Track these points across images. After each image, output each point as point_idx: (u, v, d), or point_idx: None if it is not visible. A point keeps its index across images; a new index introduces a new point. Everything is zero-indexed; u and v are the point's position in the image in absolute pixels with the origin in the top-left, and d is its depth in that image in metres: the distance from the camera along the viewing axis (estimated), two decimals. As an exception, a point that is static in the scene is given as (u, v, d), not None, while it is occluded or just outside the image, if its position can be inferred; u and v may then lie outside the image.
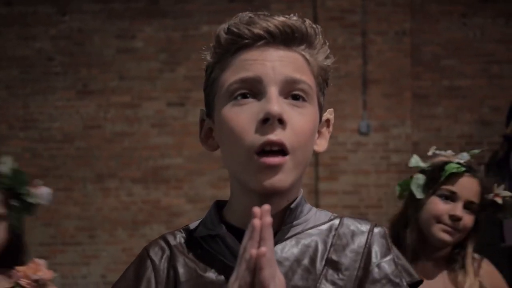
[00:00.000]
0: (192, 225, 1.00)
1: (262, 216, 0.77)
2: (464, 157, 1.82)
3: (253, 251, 0.75)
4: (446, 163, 1.81)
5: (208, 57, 0.95)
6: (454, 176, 1.78)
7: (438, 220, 1.78)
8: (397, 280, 0.92)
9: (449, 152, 1.86)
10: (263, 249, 0.75)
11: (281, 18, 0.90)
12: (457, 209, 1.77)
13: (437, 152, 1.87)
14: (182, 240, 0.97)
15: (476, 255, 1.86)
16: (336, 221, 0.97)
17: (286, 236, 0.93)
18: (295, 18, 0.92)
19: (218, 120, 0.92)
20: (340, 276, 0.91)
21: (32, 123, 5.53)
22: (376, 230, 0.96)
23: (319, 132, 0.97)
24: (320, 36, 0.94)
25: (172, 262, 0.94)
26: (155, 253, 0.96)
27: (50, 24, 5.53)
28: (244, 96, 0.89)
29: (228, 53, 0.91)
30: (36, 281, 1.70)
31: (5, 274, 1.77)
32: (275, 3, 5.23)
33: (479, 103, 5.52)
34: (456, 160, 1.81)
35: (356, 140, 5.28)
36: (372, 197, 5.25)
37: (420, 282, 0.97)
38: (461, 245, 1.83)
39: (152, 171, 5.45)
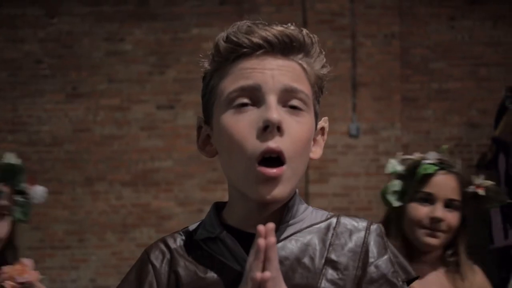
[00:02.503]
0: (192, 228, 1.01)
1: (267, 235, 0.78)
2: (432, 155, 1.76)
3: (258, 275, 0.77)
4: (418, 165, 1.75)
5: (206, 65, 0.97)
6: (428, 177, 1.72)
7: (420, 225, 1.72)
8: (394, 280, 0.94)
9: (417, 154, 1.80)
10: (267, 274, 0.77)
11: (280, 28, 0.92)
12: (437, 210, 1.71)
13: (405, 157, 1.80)
14: (182, 243, 0.98)
15: (469, 262, 1.81)
16: (334, 220, 0.98)
17: (285, 235, 0.95)
18: (292, 27, 0.93)
19: (217, 127, 0.94)
20: (340, 275, 0.92)
21: (21, 126, 5.50)
22: (372, 228, 0.97)
23: (314, 140, 0.99)
24: (317, 45, 0.96)
25: (172, 266, 0.95)
26: (155, 257, 0.97)
27: (38, 26, 5.50)
28: (243, 104, 0.91)
29: (227, 61, 0.93)
30: (21, 283, 1.66)
31: None
32: (265, 6, 5.23)
33: (468, 105, 5.56)
34: (427, 161, 1.75)
35: (346, 143, 5.29)
36: (362, 199, 5.26)
37: (416, 278, 0.99)
38: (452, 245, 1.78)
39: (142, 174, 5.43)
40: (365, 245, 0.95)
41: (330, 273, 0.92)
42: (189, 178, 5.39)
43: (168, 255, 0.97)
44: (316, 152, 0.99)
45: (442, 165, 1.75)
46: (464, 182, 1.76)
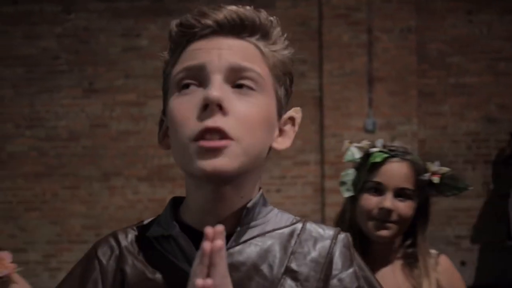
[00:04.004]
0: (146, 222, 0.95)
1: (215, 238, 0.72)
2: (379, 143, 1.67)
3: (200, 282, 0.71)
4: (370, 154, 1.65)
5: (166, 55, 0.93)
6: (377, 166, 1.62)
7: (370, 217, 1.62)
8: None
9: (364, 141, 1.70)
10: (208, 281, 0.71)
11: (232, 8, 0.88)
12: (386, 200, 1.60)
13: (354, 145, 1.70)
14: (134, 239, 0.92)
15: (433, 251, 1.69)
16: (299, 226, 0.91)
17: (244, 239, 0.88)
18: (248, 7, 0.88)
19: (167, 112, 0.89)
20: (299, 287, 0.86)
21: (38, 121, 5.55)
22: (340, 237, 0.91)
23: (281, 130, 0.92)
24: (278, 29, 0.90)
25: (120, 263, 0.89)
26: (103, 253, 0.92)
27: (55, 22, 5.54)
28: (187, 85, 0.86)
29: (180, 46, 0.89)
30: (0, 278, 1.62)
31: None
32: (280, 1, 5.22)
33: (486, 100, 5.50)
34: (375, 149, 1.65)
35: (362, 138, 5.23)
36: (378, 195, 5.24)
37: None
38: (410, 236, 1.67)
39: (158, 169, 5.46)
40: (329, 256, 0.88)
41: (289, 283, 0.86)
42: (205, 173, 5.40)
43: (116, 251, 0.91)
44: (283, 142, 0.91)
45: (393, 153, 1.64)
46: (418, 170, 1.65)
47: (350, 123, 5.23)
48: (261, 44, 0.89)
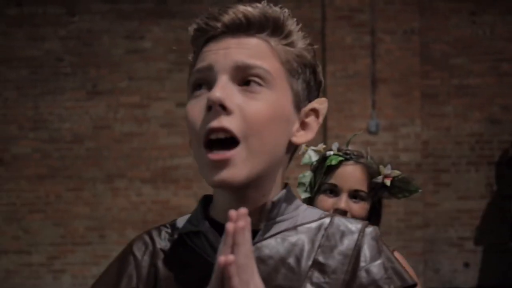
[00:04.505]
0: (179, 221, 0.97)
1: (237, 220, 0.73)
2: (335, 146, 1.74)
3: (221, 259, 0.71)
4: (326, 157, 1.73)
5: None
6: (333, 169, 1.70)
7: None
8: (385, 287, 0.87)
9: (320, 145, 1.78)
10: (230, 257, 0.71)
11: (239, 8, 0.88)
12: (341, 201, 1.68)
13: (311, 148, 1.77)
14: (167, 236, 0.94)
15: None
16: (327, 220, 0.92)
17: (271, 233, 0.89)
18: (258, 5, 0.89)
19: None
20: (326, 279, 0.87)
21: (42, 123, 5.56)
22: (367, 230, 0.91)
23: (304, 122, 0.91)
24: (290, 21, 0.90)
25: (154, 258, 0.92)
26: (138, 249, 0.94)
27: (59, 24, 5.55)
28: (199, 87, 0.87)
29: (198, 49, 0.91)
30: None
31: None
32: (284, 3, 5.21)
33: (489, 101, 5.50)
34: (331, 152, 1.73)
35: (365, 140, 5.27)
36: (382, 196, 5.24)
37: (414, 285, 0.92)
38: None
39: (161, 171, 5.47)
40: (357, 248, 0.89)
41: (316, 276, 0.87)
42: (208, 175, 5.41)
43: (150, 248, 0.93)
44: (304, 135, 0.90)
45: (348, 156, 1.72)
46: (371, 173, 1.73)
47: (354, 124, 5.24)
48: (271, 39, 0.88)
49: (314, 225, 0.91)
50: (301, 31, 0.91)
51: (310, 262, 0.87)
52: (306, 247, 0.89)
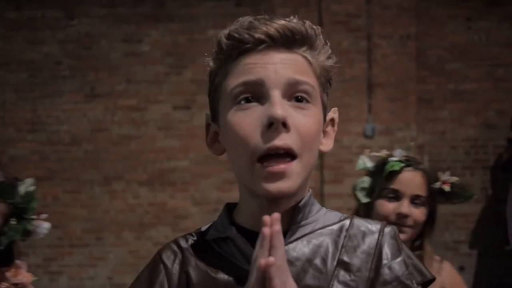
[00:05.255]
0: (204, 228, 1.01)
1: (272, 225, 0.77)
2: (398, 153, 1.79)
3: (262, 261, 0.75)
4: (386, 162, 1.78)
5: (211, 63, 0.96)
6: (394, 174, 1.75)
7: (387, 221, 1.71)
8: (408, 282, 0.92)
9: (384, 151, 1.83)
10: (271, 259, 0.75)
11: (281, 21, 0.91)
12: (403, 206, 1.73)
13: (373, 154, 1.83)
14: (194, 243, 0.98)
15: (437, 257, 1.83)
16: (347, 222, 0.97)
17: (297, 236, 0.93)
18: (295, 20, 0.92)
19: (223, 124, 0.93)
20: (352, 277, 0.91)
21: (40, 126, 5.58)
22: (386, 230, 0.96)
23: (324, 132, 0.97)
24: (321, 37, 0.94)
25: (184, 266, 0.95)
26: (167, 257, 0.97)
27: (58, 28, 5.58)
28: (247, 100, 0.90)
29: (230, 58, 0.92)
30: (15, 285, 1.68)
31: None
32: (280, 8, 5.26)
33: (485, 106, 5.53)
34: (393, 158, 1.78)
35: (361, 144, 5.30)
36: (377, 200, 5.26)
37: (433, 280, 0.98)
38: (418, 239, 1.80)
39: (159, 174, 5.49)
40: (378, 247, 0.93)
41: (342, 274, 0.91)
42: (205, 178, 5.43)
43: (179, 255, 0.96)
44: (327, 144, 0.97)
45: (409, 162, 1.78)
46: (430, 179, 1.79)
47: (350, 128, 5.27)
48: (308, 55, 0.93)
49: (335, 227, 0.96)
50: (327, 45, 0.96)
51: (335, 262, 0.92)
52: (330, 248, 0.93)
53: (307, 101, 0.91)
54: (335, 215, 0.99)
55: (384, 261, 0.93)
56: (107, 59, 5.56)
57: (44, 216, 1.80)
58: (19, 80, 5.58)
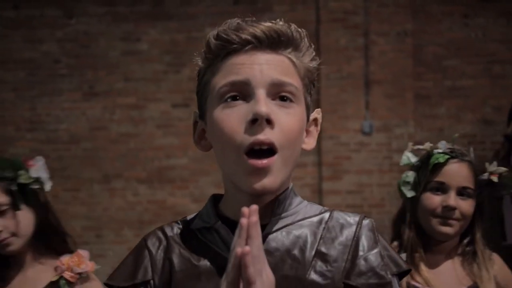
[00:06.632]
0: (189, 217, 1.05)
1: (250, 216, 0.81)
2: (443, 145, 1.76)
3: (239, 250, 0.79)
4: (430, 155, 1.75)
5: (200, 62, 1.00)
6: (440, 166, 1.72)
7: (434, 214, 1.72)
8: (382, 273, 0.95)
9: (427, 144, 1.80)
10: (246, 248, 0.78)
11: (268, 24, 0.94)
12: (450, 199, 1.70)
13: (416, 147, 1.81)
14: (179, 232, 1.02)
15: (487, 250, 1.79)
16: (326, 215, 1.01)
17: (277, 227, 0.97)
18: (281, 23, 0.96)
19: (210, 121, 0.97)
20: (329, 267, 0.94)
21: (39, 124, 5.60)
22: (364, 222, 0.99)
23: (307, 131, 1.01)
24: (306, 40, 0.98)
25: (168, 253, 0.99)
26: (152, 244, 1.01)
27: (56, 27, 5.59)
28: (233, 98, 0.93)
29: (218, 57, 0.96)
30: (79, 273, 1.72)
31: (51, 264, 1.76)
32: (278, 5, 5.28)
33: (482, 103, 5.56)
34: (438, 150, 1.75)
35: (359, 140, 5.33)
36: (375, 196, 5.30)
37: (408, 271, 1.00)
38: (469, 234, 1.77)
39: (158, 172, 5.51)
40: (355, 239, 0.97)
41: (319, 264, 0.94)
42: (204, 175, 5.45)
43: (164, 242, 1.00)
44: (310, 143, 1.01)
45: (454, 154, 1.74)
46: (477, 170, 1.75)
47: (347, 125, 5.29)
48: (293, 56, 0.96)
49: (315, 219, 0.99)
50: (311, 48, 0.99)
51: (313, 253, 0.95)
52: (309, 239, 0.96)
53: (291, 101, 0.94)
54: (316, 208, 1.02)
55: (361, 253, 0.96)
56: (106, 57, 5.57)
57: (32, 158, 1.83)
58: (17, 79, 5.60)
